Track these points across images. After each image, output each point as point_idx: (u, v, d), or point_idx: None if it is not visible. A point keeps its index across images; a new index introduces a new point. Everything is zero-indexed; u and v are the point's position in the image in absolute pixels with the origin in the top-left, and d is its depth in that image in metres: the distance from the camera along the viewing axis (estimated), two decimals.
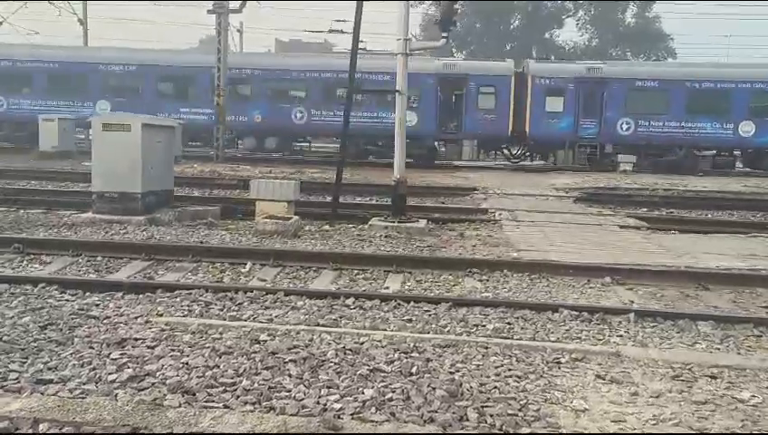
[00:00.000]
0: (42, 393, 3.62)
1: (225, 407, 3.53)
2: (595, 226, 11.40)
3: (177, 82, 25.45)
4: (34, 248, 7.77)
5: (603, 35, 49.89)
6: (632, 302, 6.35)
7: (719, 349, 5.05)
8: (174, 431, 3.14)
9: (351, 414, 3.49)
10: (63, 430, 3.16)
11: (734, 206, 14.96)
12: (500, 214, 12.36)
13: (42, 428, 3.17)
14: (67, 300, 5.75)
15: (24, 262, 7.40)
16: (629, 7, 49.90)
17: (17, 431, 3.15)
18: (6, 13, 34.77)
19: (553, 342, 5.01)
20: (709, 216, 13.74)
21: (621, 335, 5.26)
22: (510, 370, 4.26)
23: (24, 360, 4.14)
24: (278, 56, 33.69)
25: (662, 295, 6.72)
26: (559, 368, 4.35)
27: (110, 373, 3.93)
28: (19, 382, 3.78)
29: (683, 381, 4.20)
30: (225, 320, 5.31)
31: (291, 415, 3.43)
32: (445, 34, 10.84)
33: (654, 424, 3.54)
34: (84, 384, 3.78)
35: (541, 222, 11.54)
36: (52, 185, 15.16)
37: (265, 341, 4.64)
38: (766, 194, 17.00)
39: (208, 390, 3.74)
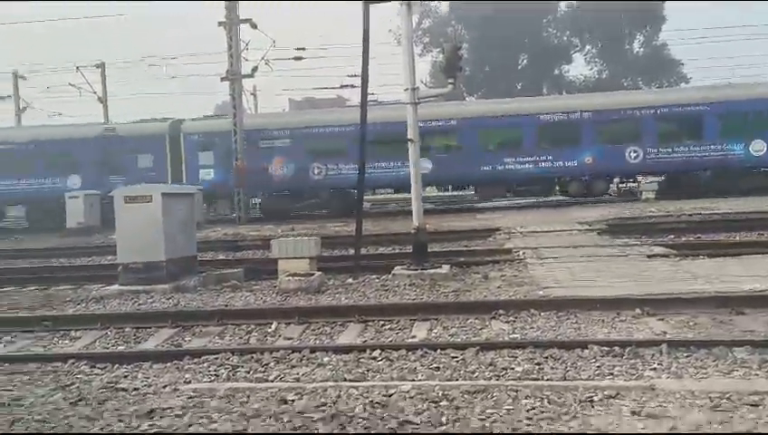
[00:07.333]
0: None
1: None
2: (622, 257, 11.25)
3: None
4: (64, 325, 7.87)
5: (613, 67, 50.17)
6: (664, 332, 6.22)
7: (758, 375, 4.89)
8: None
9: None
10: None
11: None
12: (524, 253, 12.26)
13: None
14: (96, 374, 5.80)
15: (55, 339, 7.50)
16: (636, 38, 50.31)
17: None
18: (30, 98, 36.20)
19: (585, 380, 4.90)
20: (738, 238, 13.49)
21: (655, 368, 5.13)
22: (542, 412, 4.17)
23: None
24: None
25: (695, 324, 6.55)
26: (592, 407, 4.25)
27: None
28: None
29: (723, 411, 4.07)
30: (252, 382, 5.30)
31: None
32: (451, 80, 11.01)
33: None
34: None
35: (566, 258, 11.42)
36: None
37: (293, 401, 4.62)
38: None
39: None
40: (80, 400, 4.94)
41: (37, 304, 9.64)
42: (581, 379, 4.94)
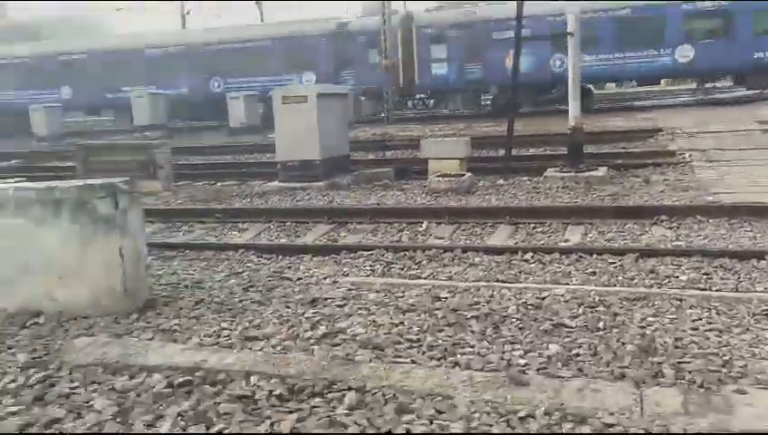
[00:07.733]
0: (250, 349, 3.98)
1: (413, 362, 3.65)
2: None
3: None
4: (232, 217, 8.54)
5: None
6: None
7: None
8: (367, 385, 3.31)
9: (537, 369, 3.45)
10: (271, 382, 3.46)
11: None
12: (690, 155, 11.35)
13: (253, 379, 3.51)
14: (263, 263, 6.28)
15: (225, 230, 8.18)
16: None
17: (232, 381, 3.51)
18: (190, 5, 38.06)
19: (761, 292, 4.54)
20: None
21: None
22: (709, 323, 3.94)
23: (233, 319, 4.58)
24: None
25: None
26: None
27: (306, 331, 4.21)
28: (230, 339, 4.19)
29: None
30: (406, 279, 5.48)
31: (476, 370, 3.47)
32: None
33: None
34: (285, 341, 4.10)
35: (741, 161, 10.43)
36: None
37: (446, 298, 4.72)
38: None
39: (396, 346, 3.88)
40: (250, 286, 5.39)
41: (209, 197, 10.51)
42: (756, 291, 4.59)
